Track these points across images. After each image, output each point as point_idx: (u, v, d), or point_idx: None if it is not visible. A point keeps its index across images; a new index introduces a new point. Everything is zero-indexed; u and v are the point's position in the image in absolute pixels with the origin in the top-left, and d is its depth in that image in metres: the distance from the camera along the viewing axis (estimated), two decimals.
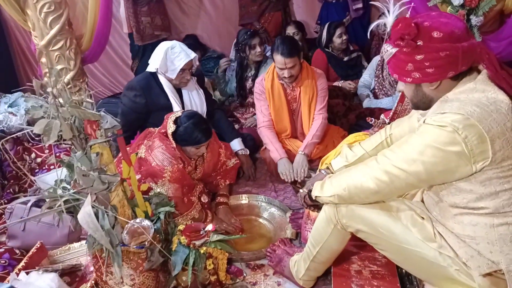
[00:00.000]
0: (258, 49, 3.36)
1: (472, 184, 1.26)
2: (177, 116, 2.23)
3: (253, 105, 3.50)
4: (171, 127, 2.19)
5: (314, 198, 1.57)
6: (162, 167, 2.13)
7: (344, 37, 3.69)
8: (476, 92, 1.26)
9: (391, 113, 2.07)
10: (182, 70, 2.60)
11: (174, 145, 2.19)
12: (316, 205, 1.66)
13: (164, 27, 4.43)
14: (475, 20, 2.42)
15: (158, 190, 2.10)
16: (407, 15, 1.77)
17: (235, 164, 2.61)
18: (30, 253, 1.89)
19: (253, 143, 3.07)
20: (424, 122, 1.29)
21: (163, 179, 2.12)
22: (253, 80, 3.41)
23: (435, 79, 1.30)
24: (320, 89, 2.75)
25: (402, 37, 1.27)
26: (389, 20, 1.60)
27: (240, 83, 3.54)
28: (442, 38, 1.24)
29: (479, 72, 1.32)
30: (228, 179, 2.57)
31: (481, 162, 1.21)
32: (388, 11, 1.63)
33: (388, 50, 1.35)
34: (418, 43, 1.27)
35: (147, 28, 4.28)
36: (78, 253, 2.06)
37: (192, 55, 2.62)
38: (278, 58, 2.57)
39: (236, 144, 2.82)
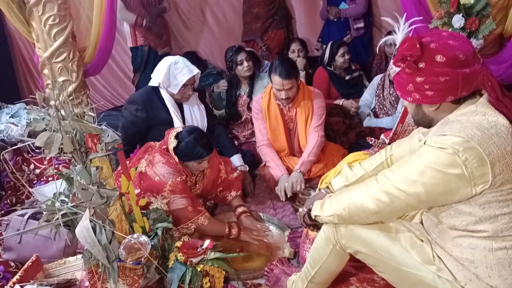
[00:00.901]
0: (245, 63, 3.34)
1: (472, 207, 1.26)
2: (178, 131, 2.24)
3: (251, 121, 3.51)
4: (172, 142, 2.19)
5: (313, 217, 1.56)
6: (164, 181, 2.14)
7: (347, 56, 3.72)
8: (477, 115, 1.26)
9: (391, 134, 2.08)
10: (185, 85, 2.62)
11: (177, 160, 2.20)
12: (315, 225, 1.65)
13: (167, 43, 4.47)
14: (475, 43, 2.45)
15: (158, 203, 2.09)
16: (410, 35, 1.80)
17: (238, 175, 2.60)
18: (26, 266, 1.87)
19: (253, 159, 3.07)
20: (424, 143, 1.29)
21: (164, 192, 2.12)
22: (249, 96, 3.42)
23: (434, 101, 1.31)
24: (316, 108, 2.75)
25: (404, 58, 1.28)
26: (398, 37, 1.62)
27: (230, 102, 3.53)
28: (445, 62, 1.25)
29: (481, 94, 1.33)
30: (234, 189, 2.54)
31: (481, 185, 1.21)
32: (398, 28, 1.65)
33: (393, 67, 1.36)
34: (419, 65, 1.27)
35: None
36: (73, 267, 2.03)
37: (195, 71, 2.64)
38: (276, 79, 2.58)
39: (236, 160, 2.82)
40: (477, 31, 2.43)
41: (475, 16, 2.40)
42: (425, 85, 1.28)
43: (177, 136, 2.21)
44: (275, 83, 2.61)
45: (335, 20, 4.34)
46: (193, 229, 2.18)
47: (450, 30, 2.49)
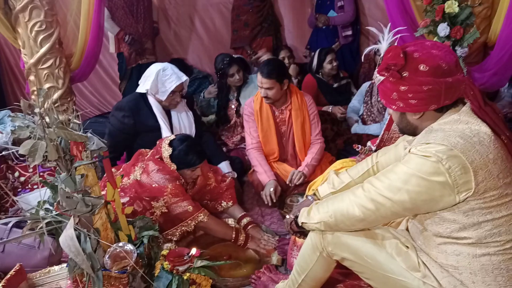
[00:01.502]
0: (236, 76, 3.39)
1: (456, 214, 1.28)
2: (171, 139, 2.25)
3: (240, 125, 3.52)
4: (167, 150, 2.20)
5: (300, 224, 1.57)
6: (164, 186, 2.15)
7: (335, 63, 3.75)
8: (460, 123, 1.28)
9: (378, 141, 2.10)
10: (173, 92, 2.62)
11: (174, 167, 2.21)
12: (302, 232, 1.65)
13: (152, 52, 4.46)
14: (460, 51, 2.49)
15: (159, 205, 2.11)
16: (396, 43, 1.82)
17: (229, 182, 2.56)
18: (9, 275, 1.84)
19: (241, 166, 3.07)
20: (409, 151, 1.30)
21: (165, 196, 2.13)
22: (237, 100, 3.46)
23: (418, 110, 1.33)
24: (311, 114, 2.80)
25: (388, 67, 1.30)
26: (383, 46, 1.64)
27: (221, 107, 3.55)
28: (428, 72, 1.27)
29: (464, 103, 1.35)
30: (226, 199, 2.49)
31: (465, 192, 1.23)
32: (383, 37, 1.67)
33: (377, 76, 1.38)
34: (403, 74, 1.29)
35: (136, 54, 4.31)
36: (58, 277, 2.00)
37: (184, 78, 2.65)
38: (258, 76, 2.63)
39: (224, 167, 2.81)
40: (462, 39, 2.47)
41: (460, 25, 2.44)
42: (409, 94, 1.30)
43: (170, 144, 2.22)
44: (257, 80, 2.65)
45: (323, 27, 4.38)
46: (193, 226, 2.18)
47: (435, 38, 2.53)
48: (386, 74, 1.31)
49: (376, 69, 1.39)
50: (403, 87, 1.30)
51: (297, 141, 2.81)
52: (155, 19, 4.57)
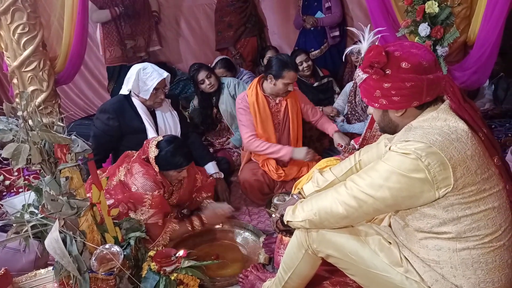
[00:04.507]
0: (206, 82, 3.35)
1: (436, 210, 1.31)
2: (159, 140, 2.26)
3: (226, 128, 3.52)
4: (153, 152, 2.20)
5: (286, 223, 1.59)
6: (143, 194, 2.14)
7: (305, 64, 3.76)
8: (438, 121, 1.32)
9: (361, 139, 2.13)
10: (156, 89, 2.62)
11: (157, 169, 2.20)
12: (288, 230, 1.67)
13: (148, 47, 4.46)
14: (441, 50, 2.53)
15: (137, 216, 2.09)
16: (377, 43, 1.85)
17: (211, 181, 2.62)
18: None
19: (228, 166, 3.08)
20: (389, 149, 1.33)
21: (144, 206, 2.12)
22: (217, 107, 3.46)
23: (400, 107, 1.36)
24: (306, 102, 2.98)
25: (372, 65, 1.33)
26: (363, 46, 1.67)
27: (204, 114, 3.55)
28: (409, 69, 1.30)
29: (442, 101, 1.38)
30: (205, 191, 2.55)
31: (444, 188, 1.26)
32: (363, 37, 1.69)
33: (359, 75, 1.40)
34: (386, 72, 1.32)
35: (130, 51, 4.29)
36: (45, 280, 1.98)
37: (165, 74, 2.65)
38: (291, 74, 2.67)
39: (211, 168, 2.82)
40: (442, 39, 2.52)
41: (440, 25, 2.48)
42: (392, 91, 1.33)
43: (157, 146, 2.22)
44: (289, 78, 2.68)
45: (312, 29, 4.40)
46: (168, 239, 2.18)
47: (416, 38, 2.57)
48: (370, 71, 1.34)
49: (358, 68, 1.42)
50: (386, 84, 1.33)
51: (292, 131, 2.88)
52: (155, 9, 4.55)
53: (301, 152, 2.70)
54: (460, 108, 1.33)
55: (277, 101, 2.83)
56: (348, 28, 1.76)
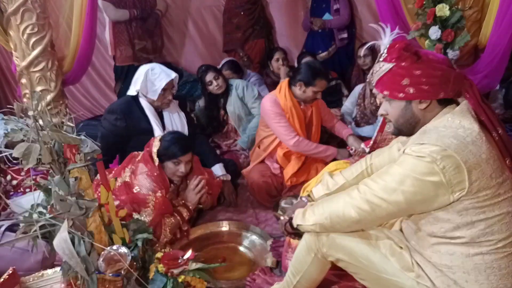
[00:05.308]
0: (214, 83, 3.37)
1: (450, 214, 1.29)
2: (163, 135, 2.29)
3: (233, 130, 3.51)
4: (156, 145, 2.22)
5: (295, 226, 1.57)
6: (146, 195, 2.13)
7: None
8: (454, 124, 1.30)
9: (371, 143, 2.11)
10: (164, 90, 2.62)
11: (157, 162, 2.20)
12: (297, 233, 1.65)
13: (155, 50, 4.45)
14: (451, 53, 2.52)
15: (142, 218, 2.08)
16: None
17: (218, 182, 2.62)
18: (2, 279, 1.81)
19: (235, 168, 3.06)
20: (404, 152, 1.31)
21: (147, 208, 2.11)
22: (224, 109, 3.46)
23: (428, 97, 1.33)
24: (323, 109, 3.03)
25: (406, 49, 1.32)
26: (384, 41, 1.65)
27: (211, 116, 3.56)
28: (438, 60, 1.33)
29: (458, 104, 1.37)
30: (211, 191, 2.54)
31: (458, 192, 1.24)
32: (384, 33, 1.67)
33: (382, 66, 1.37)
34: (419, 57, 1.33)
35: (139, 52, 4.30)
36: (52, 280, 1.98)
37: (173, 74, 2.65)
38: (323, 82, 2.69)
39: (218, 170, 2.80)
40: (453, 42, 2.50)
41: (451, 28, 2.47)
42: (423, 78, 1.31)
43: (160, 140, 2.25)
44: (320, 86, 2.69)
45: (319, 31, 4.39)
46: (169, 235, 2.19)
47: (427, 41, 2.56)
48: (405, 54, 1.32)
49: (376, 63, 1.39)
50: (417, 71, 1.31)
51: (313, 137, 2.89)
52: (161, 9, 4.56)
53: (345, 153, 2.73)
54: (478, 108, 1.32)
55: (303, 106, 2.82)
56: (370, 25, 1.73)
